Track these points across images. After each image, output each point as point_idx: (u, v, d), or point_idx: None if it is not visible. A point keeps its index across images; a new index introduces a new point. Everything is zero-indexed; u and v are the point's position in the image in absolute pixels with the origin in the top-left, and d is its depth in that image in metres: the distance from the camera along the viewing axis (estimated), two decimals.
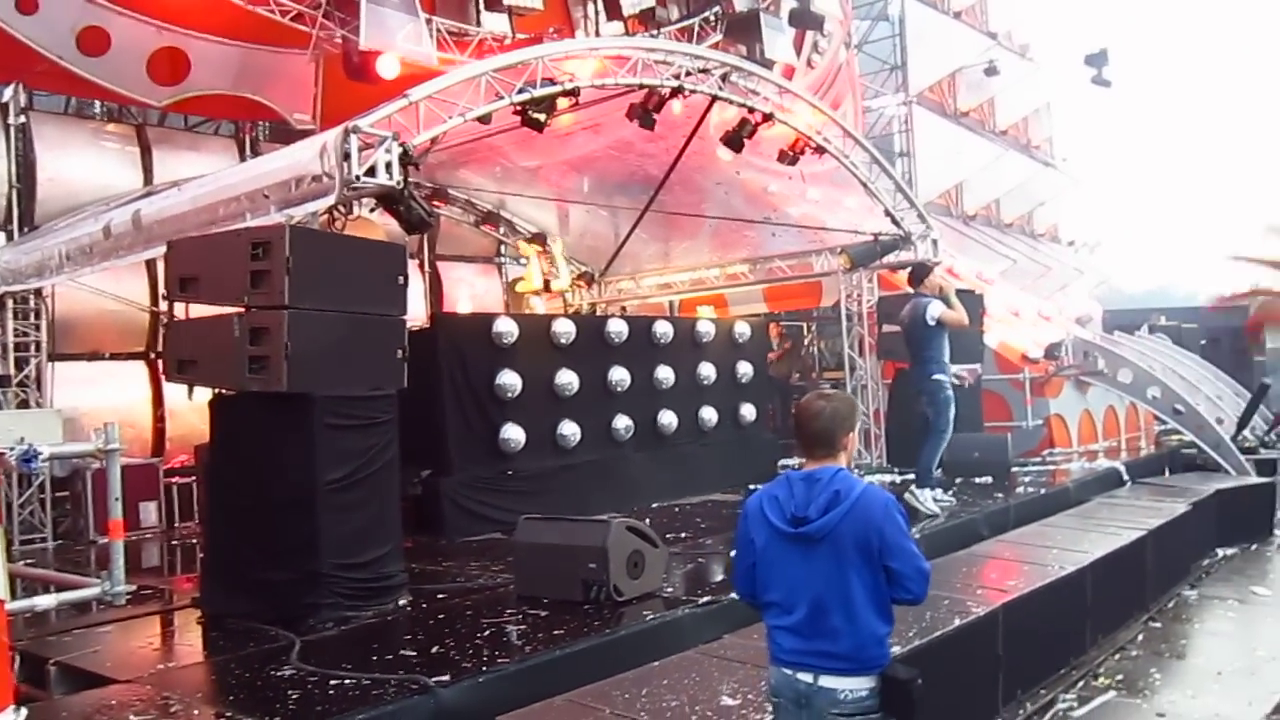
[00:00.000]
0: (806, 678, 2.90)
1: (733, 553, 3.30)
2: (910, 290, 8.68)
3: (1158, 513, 8.40)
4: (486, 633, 4.92)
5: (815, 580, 2.88)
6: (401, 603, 5.60)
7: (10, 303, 9.30)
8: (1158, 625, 7.15)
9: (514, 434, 8.26)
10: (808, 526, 2.88)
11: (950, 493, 8.64)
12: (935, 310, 8.12)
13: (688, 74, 8.53)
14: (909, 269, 9.03)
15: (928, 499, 8.10)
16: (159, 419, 10.56)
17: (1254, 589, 8.02)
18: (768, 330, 13.00)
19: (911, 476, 10.13)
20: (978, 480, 9.61)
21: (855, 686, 2.86)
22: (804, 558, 2.90)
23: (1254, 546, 9.45)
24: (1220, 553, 9.23)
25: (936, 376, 8.25)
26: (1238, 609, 7.58)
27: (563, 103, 7.83)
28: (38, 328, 9.46)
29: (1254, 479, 10.48)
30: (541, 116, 7.69)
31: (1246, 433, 11.40)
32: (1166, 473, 11.34)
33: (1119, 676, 6.12)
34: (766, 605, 3.03)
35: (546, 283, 11.92)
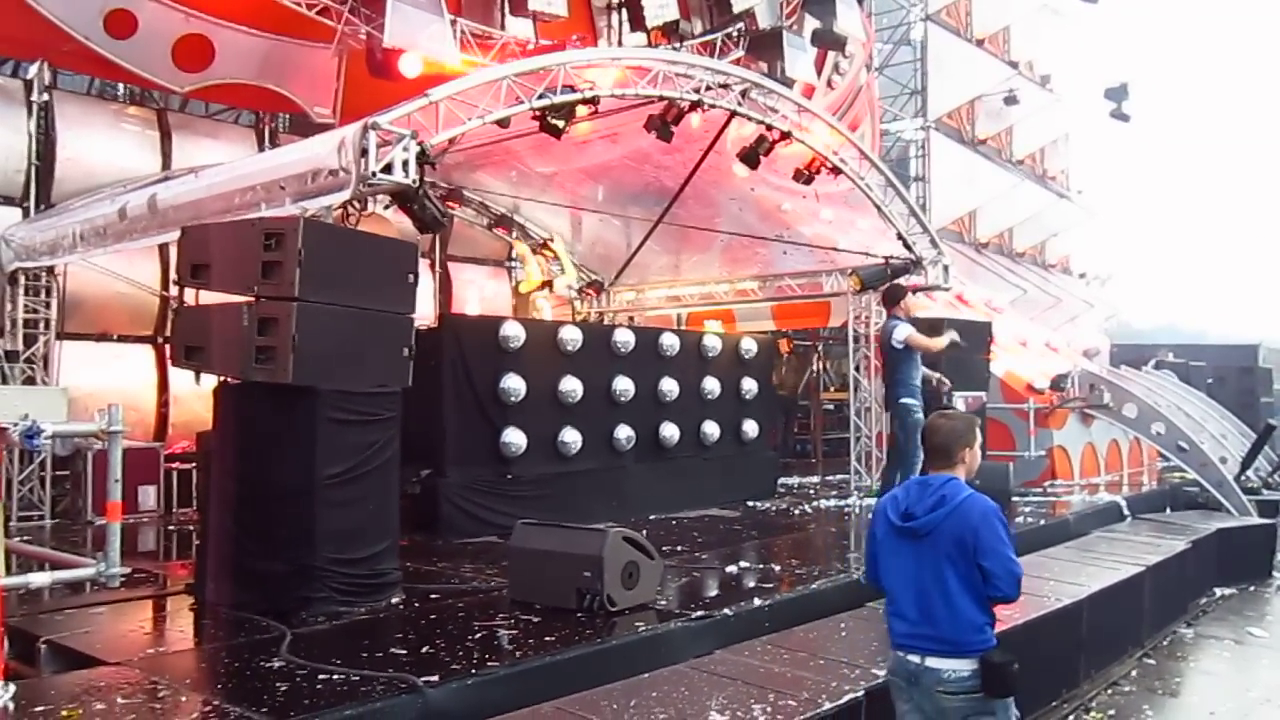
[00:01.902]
0: (915, 659, 3.30)
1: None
2: (918, 317, 8.66)
3: (1157, 549, 8.37)
4: (478, 635, 4.91)
5: (920, 571, 3.29)
6: (394, 601, 5.60)
7: (23, 279, 9.36)
8: (1152, 662, 7.12)
9: (515, 438, 8.25)
10: (913, 522, 3.29)
11: None
12: (901, 333, 8.15)
13: (708, 88, 8.55)
14: (883, 289, 9.00)
15: None
16: (163, 403, 10.60)
17: (1251, 630, 7.98)
18: (778, 344, 13.00)
19: None
20: None
21: (958, 667, 3.22)
22: (910, 551, 3.31)
23: (1253, 588, 9.41)
24: (1218, 592, 9.19)
25: (904, 400, 8.26)
26: (1233, 649, 7.54)
27: (582, 110, 7.85)
28: (48, 305, 9.52)
29: (1255, 519, 10.44)
30: (560, 123, 7.71)
31: (1250, 473, 11.35)
32: (1168, 509, 11.29)
33: (1111, 712, 6.09)
34: (885, 591, 3.47)
35: (549, 282, 11.79)
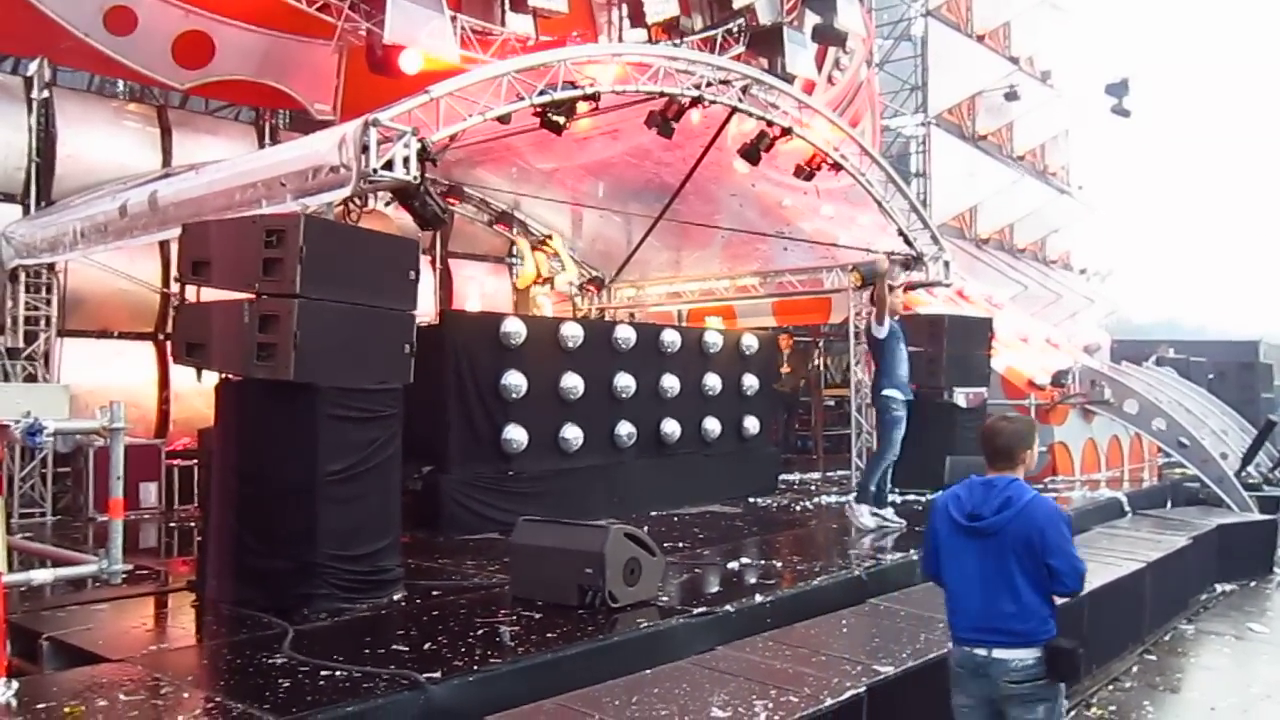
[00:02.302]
0: (982, 651, 3.46)
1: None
2: (918, 313, 8.70)
3: (1158, 545, 8.38)
4: (479, 632, 4.91)
5: (985, 568, 3.44)
6: (396, 597, 5.60)
7: (23, 276, 9.35)
8: (1153, 658, 7.13)
9: (517, 435, 8.25)
10: (981, 522, 3.44)
11: (894, 512, 8.50)
12: (874, 326, 8.25)
13: (708, 84, 8.54)
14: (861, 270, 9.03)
15: (864, 513, 8.19)
16: (164, 400, 10.59)
17: (1251, 626, 7.99)
18: (778, 342, 13.00)
19: (912, 497, 10.19)
20: None
21: (1024, 657, 3.40)
22: (975, 549, 3.47)
23: (1253, 583, 9.42)
24: (1219, 588, 9.20)
25: (886, 392, 8.32)
26: (1234, 645, 7.55)
27: (582, 107, 7.85)
28: (49, 302, 9.51)
29: (1256, 515, 10.45)
30: (560, 119, 7.71)
31: (1250, 469, 11.36)
32: (1168, 505, 11.30)
33: (1112, 707, 6.11)
34: (946, 587, 3.63)
35: (550, 279, 11.75)
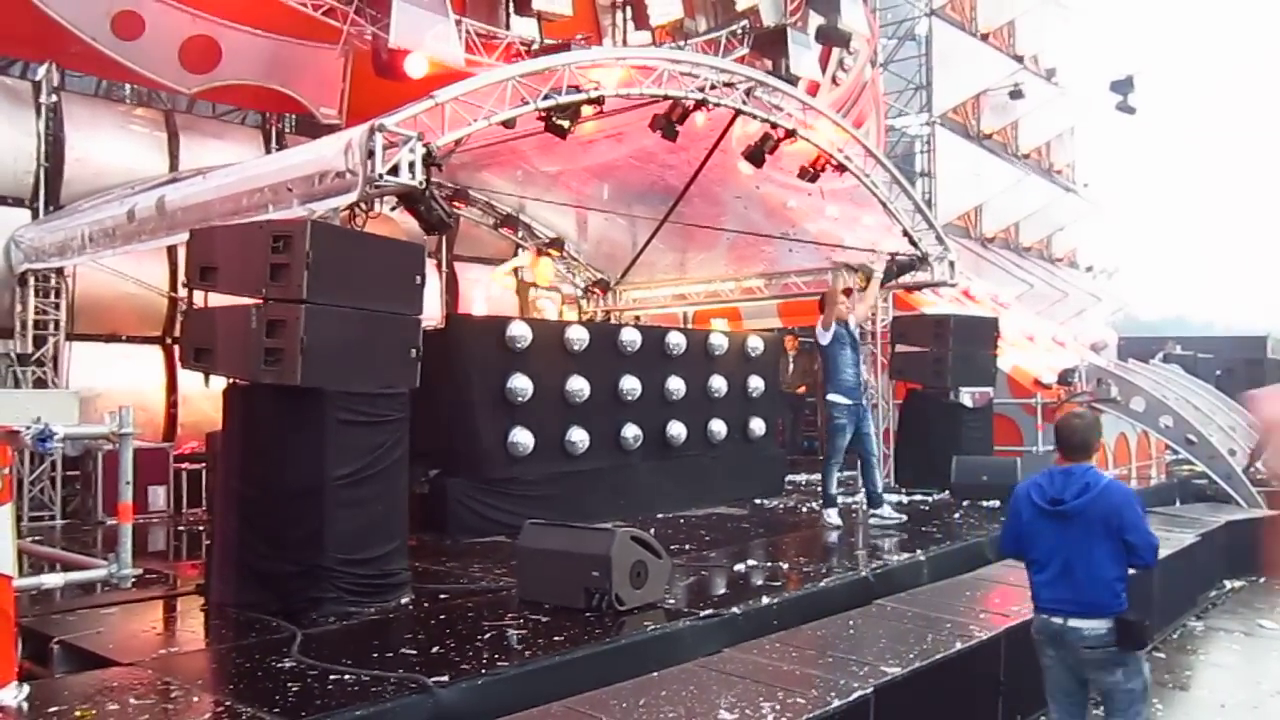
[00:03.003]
0: (1058, 620, 3.87)
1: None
2: (924, 313, 8.76)
3: (1166, 542, 8.24)
4: (487, 635, 4.93)
5: (1066, 546, 3.85)
6: (404, 601, 5.62)
7: (32, 280, 9.41)
8: (1162, 655, 7.11)
9: (523, 438, 8.26)
10: (1063, 506, 3.85)
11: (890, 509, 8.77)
12: (819, 331, 8.69)
13: (712, 87, 8.54)
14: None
15: (833, 515, 8.60)
16: (172, 404, 10.64)
17: (1261, 622, 7.98)
18: (784, 343, 12.99)
19: (918, 497, 10.20)
20: (985, 504, 9.57)
21: (1096, 626, 3.79)
22: (1058, 529, 3.87)
23: (1262, 580, 9.39)
24: (1228, 585, 9.18)
25: (829, 397, 8.69)
26: (1243, 642, 7.54)
27: (587, 110, 7.84)
28: (57, 307, 9.57)
29: (1264, 511, 10.41)
30: (565, 123, 7.70)
31: (1259, 465, 11.31)
32: (1176, 502, 11.27)
33: None
34: (1029, 563, 4.03)
35: (534, 285, 11.55)
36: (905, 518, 8.63)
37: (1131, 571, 3.87)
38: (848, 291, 9.34)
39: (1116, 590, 3.81)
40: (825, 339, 8.66)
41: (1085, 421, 4.03)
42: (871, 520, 8.63)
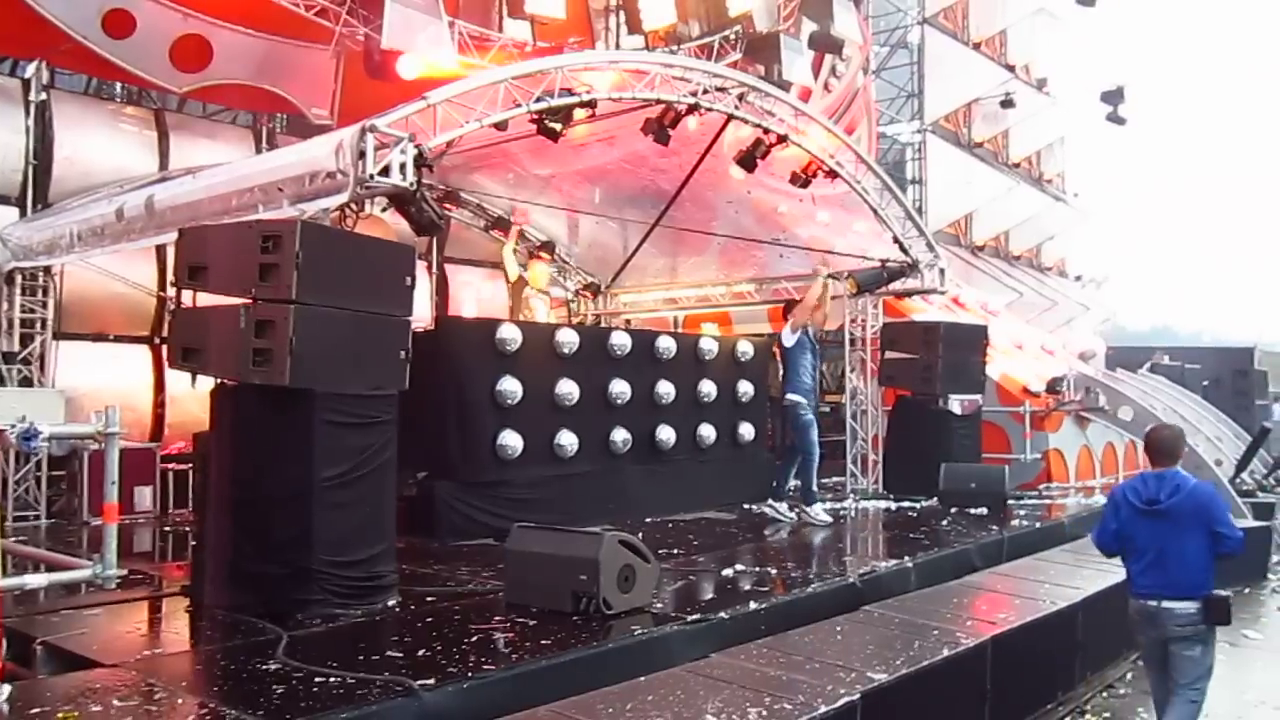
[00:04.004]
0: (1153, 602, 4.54)
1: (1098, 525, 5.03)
2: (914, 320, 8.81)
3: None
4: (474, 638, 4.91)
5: (1160, 539, 4.52)
6: (391, 603, 5.60)
7: (19, 279, 9.35)
8: None
9: (512, 441, 8.25)
10: (1159, 505, 4.53)
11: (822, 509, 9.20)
12: (786, 331, 9.10)
13: (705, 91, 8.55)
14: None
15: (819, 512, 9.04)
16: (159, 404, 10.59)
17: (1245, 632, 7.99)
18: (772, 349, 13.00)
19: (906, 504, 10.22)
20: (973, 511, 9.59)
21: (1187, 607, 4.45)
22: (1153, 525, 4.54)
23: (1247, 590, 9.42)
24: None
25: (791, 397, 9.06)
26: (1228, 652, 7.50)
27: (579, 113, 7.85)
28: (44, 305, 9.51)
29: (1250, 522, 10.43)
30: (557, 126, 7.70)
31: (1245, 475, 11.38)
32: None
33: (1106, 714, 6.12)
34: (1126, 555, 4.72)
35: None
36: (831, 519, 9.07)
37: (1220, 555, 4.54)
38: (835, 298, 9.54)
39: (1204, 575, 4.47)
40: (790, 341, 9.08)
41: (1173, 433, 4.87)
42: (803, 518, 9.10)
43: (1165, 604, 4.49)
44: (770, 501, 9.30)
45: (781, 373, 9.43)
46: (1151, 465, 4.71)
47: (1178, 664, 4.53)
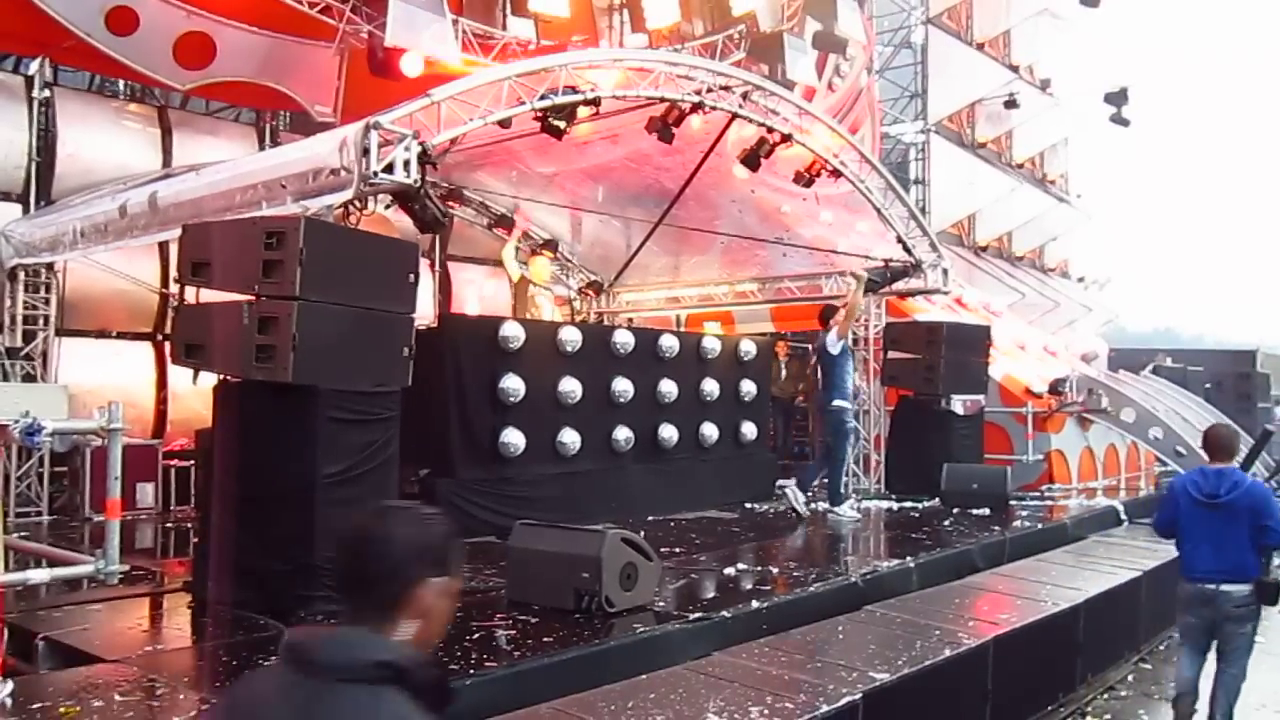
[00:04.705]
0: (1211, 586, 5.01)
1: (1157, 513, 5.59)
2: (916, 320, 8.83)
3: (1153, 554, 8.36)
4: (475, 636, 4.91)
5: (1218, 529, 4.97)
6: None
7: (22, 275, 9.35)
8: (1148, 666, 7.13)
9: (514, 438, 8.24)
10: (1218, 499, 4.97)
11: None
12: (832, 337, 9.27)
13: (709, 90, 8.55)
14: (820, 311, 9.90)
15: (847, 509, 9.36)
16: (161, 401, 10.58)
17: None
18: (775, 349, 13.00)
19: (908, 504, 10.21)
20: (975, 511, 9.58)
21: (1241, 589, 4.96)
22: (1210, 516, 4.99)
23: None
24: None
25: (836, 403, 9.33)
26: None
27: (583, 111, 7.84)
28: (47, 302, 9.51)
29: None
30: (561, 124, 7.70)
31: None
32: None
33: (1107, 716, 6.12)
34: (1182, 541, 5.15)
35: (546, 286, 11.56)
36: (859, 516, 9.35)
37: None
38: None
39: (1255, 562, 4.96)
40: (836, 349, 9.27)
41: (1230, 431, 5.48)
42: (830, 516, 9.31)
43: (1224, 587, 4.95)
44: (831, 507, 9.44)
45: (821, 378, 9.64)
46: (1210, 461, 5.16)
47: (1230, 639, 5.04)
